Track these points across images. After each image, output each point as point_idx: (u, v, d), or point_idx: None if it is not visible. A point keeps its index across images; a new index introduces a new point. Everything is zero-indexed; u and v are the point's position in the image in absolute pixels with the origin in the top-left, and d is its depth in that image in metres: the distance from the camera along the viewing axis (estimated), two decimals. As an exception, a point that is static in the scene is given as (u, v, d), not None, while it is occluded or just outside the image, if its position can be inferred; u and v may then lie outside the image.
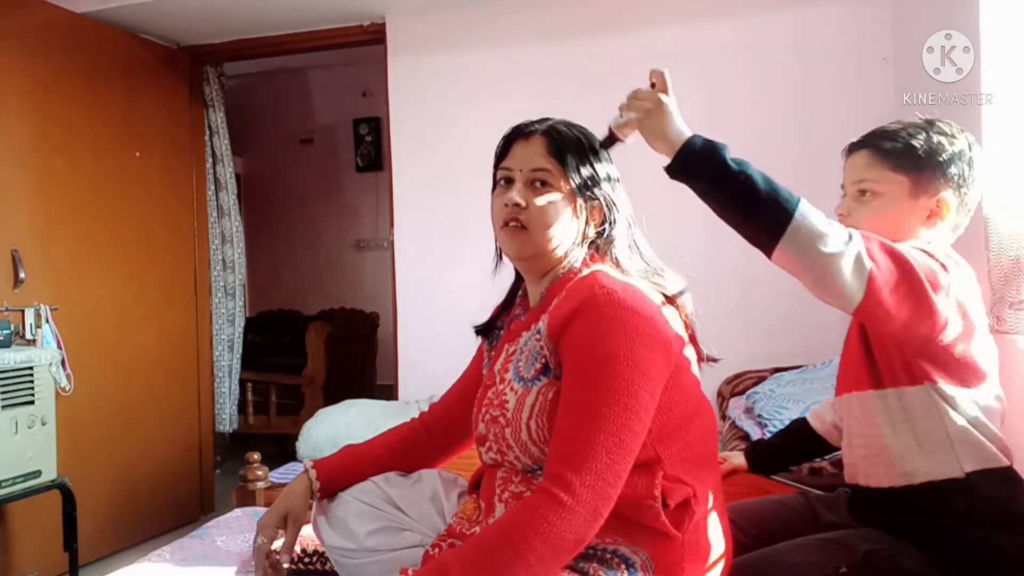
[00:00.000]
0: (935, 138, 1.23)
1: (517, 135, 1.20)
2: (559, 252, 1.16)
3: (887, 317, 1.10)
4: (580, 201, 1.15)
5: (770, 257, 1.07)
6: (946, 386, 1.18)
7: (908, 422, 1.20)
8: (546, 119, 1.20)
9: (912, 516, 1.22)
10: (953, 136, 1.24)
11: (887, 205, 1.25)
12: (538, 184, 1.15)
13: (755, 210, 1.06)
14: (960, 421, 1.18)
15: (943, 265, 1.15)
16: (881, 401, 1.23)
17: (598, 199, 1.17)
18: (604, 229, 1.17)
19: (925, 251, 1.16)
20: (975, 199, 1.27)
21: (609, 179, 1.18)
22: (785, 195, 1.05)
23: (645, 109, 1.15)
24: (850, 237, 1.06)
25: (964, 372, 1.19)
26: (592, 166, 1.16)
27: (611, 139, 1.20)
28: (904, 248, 1.13)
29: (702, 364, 1.18)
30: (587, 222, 1.17)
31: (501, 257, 1.25)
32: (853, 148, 1.31)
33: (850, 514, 1.37)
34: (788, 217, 1.03)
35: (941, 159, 1.22)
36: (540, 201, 1.14)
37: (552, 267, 1.17)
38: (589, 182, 1.16)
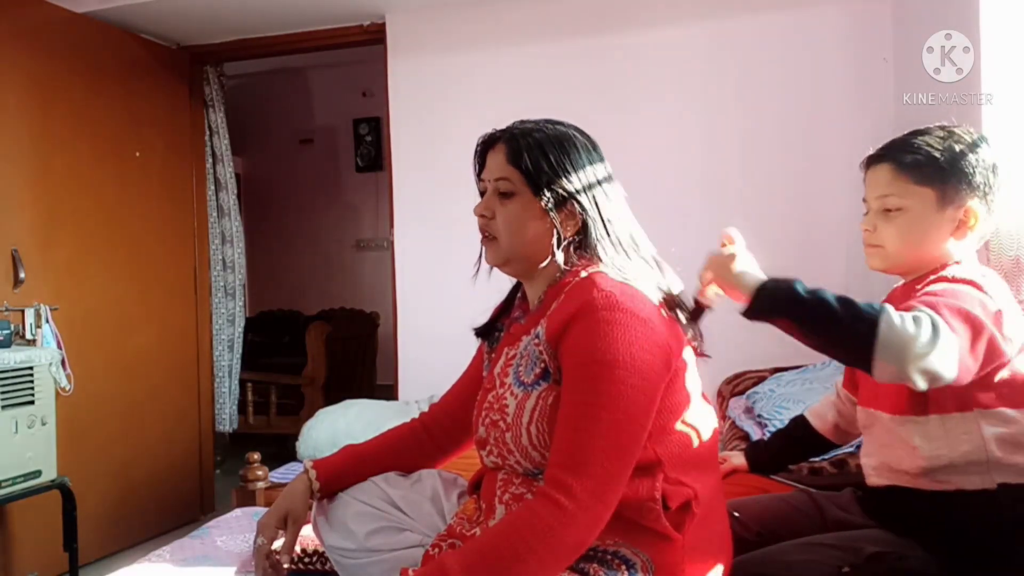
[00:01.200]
0: (956, 147, 1.21)
1: (486, 144, 1.19)
2: (535, 257, 1.15)
3: (969, 374, 1.08)
4: (547, 206, 1.12)
5: (874, 375, 1.04)
6: (996, 409, 1.16)
7: (947, 444, 1.18)
8: (514, 124, 1.18)
9: (935, 519, 1.20)
10: (974, 143, 1.22)
11: (914, 220, 1.22)
12: (503, 193, 1.15)
13: (841, 337, 1.05)
14: (1004, 444, 1.16)
15: (987, 293, 1.13)
16: (920, 426, 1.20)
17: (569, 202, 1.13)
18: (582, 233, 1.14)
19: (969, 282, 1.14)
20: (1000, 205, 1.24)
21: (583, 182, 1.14)
22: (864, 313, 1.02)
23: (719, 268, 1.15)
24: (933, 324, 1.01)
25: (1015, 394, 1.16)
26: (557, 170, 1.13)
27: (699, 309, 1.18)
28: (965, 299, 1.10)
29: (701, 357, 1.17)
30: (561, 225, 1.14)
31: (483, 265, 1.24)
32: (872, 161, 1.27)
33: (863, 512, 1.36)
34: (873, 335, 1.00)
35: (965, 168, 1.19)
36: (504, 211, 1.14)
37: (536, 271, 1.17)
38: (553, 186, 1.12)
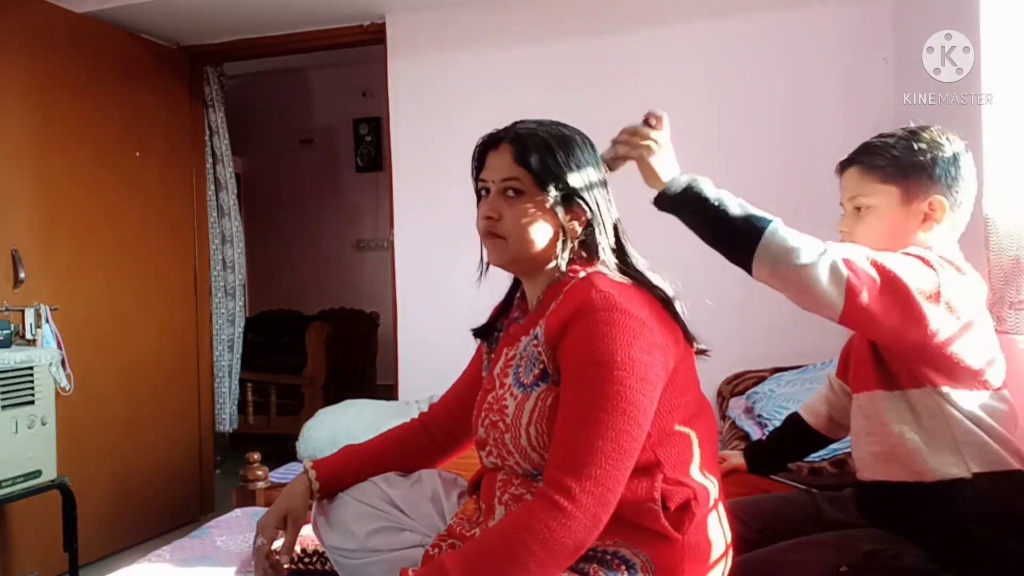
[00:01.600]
0: (915, 144, 1.27)
1: (488, 145, 1.19)
2: (542, 257, 1.15)
3: (872, 323, 1.13)
4: (555, 206, 1.13)
5: (750, 274, 1.14)
6: (947, 389, 1.20)
7: (916, 422, 1.22)
8: (516, 124, 1.18)
9: (920, 513, 1.23)
10: (934, 140, 1.27)
11: (881, 216, 1.28)
12: (510, 193, 1.14)
13: (729, 232, 1.15)
14: (964, 423, 1.20)
15: (933, 269, 1.16)
16: (891, 402, 1.25)
17: (574, 202, 1.14)
18: (587, 231, 1.15)
19: (919, 256, 1.18)
20: (969, 196, 1.28)
21: (587, 181, 1.15)
22: (757, 216, 1.14)
23: (643, 148, 1.22)
24: (824, 250, 1.11)
25: (962, 374, 1.20)
26: (563, 169, 1.13)
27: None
28: (889, 257, 1.16)
29: (699, 355, 1.18)
30: (567, 226, 1.15)
31: (488, 266, 1.23)
32: (843, 166, 1.35)
33: (858, 511, 1.37)
34: (759, 234, 1.12)
35: (923, 162, 1.25)
36: (513, 211, 1.14)
37: (540, 271, 1.17)
38: (561, 187, 1.13)
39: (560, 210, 1.13)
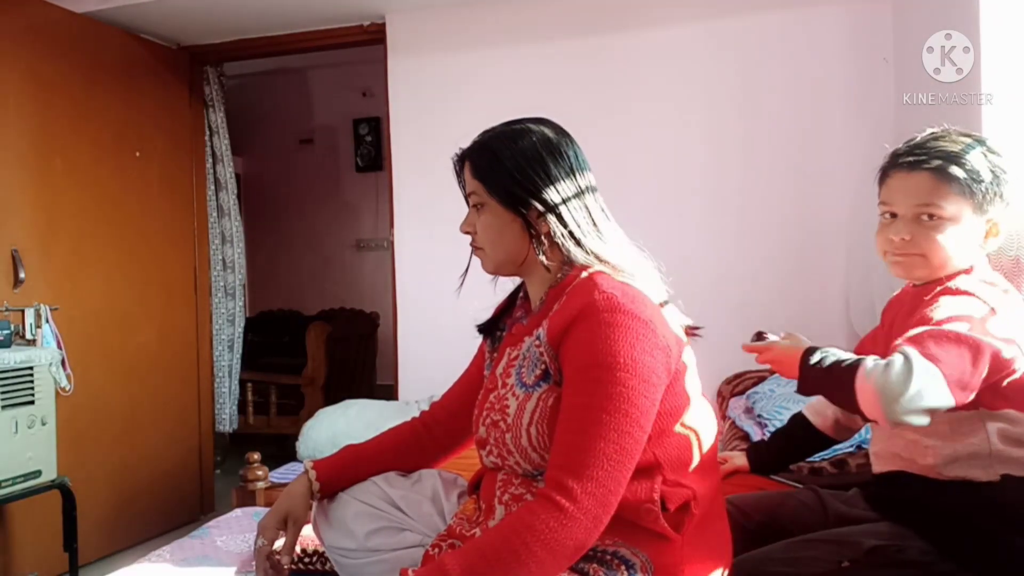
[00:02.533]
0: (992, 159, 1.23)
1: (460, 161, 1.22)
2: (524, 261, 1.17)
3: (972, 392, 1.09)
4: (515, 211, 1.14)
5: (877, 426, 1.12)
6: (999, 409, 1.18)
7: (952, 438, 1.20)
8: (479, 135, 1.20)
9: (931, 502, 1.22)
10: (999, 155, 1.24)
11: (957, 230, 1.22)
12: (478, 206, 1.18)
13: (841, 398, 1.13)
14: (1006, 441, 1.19)
15: (993, 310, 1.14)
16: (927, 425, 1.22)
17: (531, 203, 1.13)
18: (553, 228, 1.13)
19: (972, 294, 1.16)
20: (1011, 220, 1.28)
21: (540, 178, 1.13)
22: (846, 369, 1.08)
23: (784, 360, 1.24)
24: (906, 364, 1.03)
25: (1020, 397, 1.18)
26: (511, 174, 1.13)
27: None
28: (956, 317, 1.11)
29: (693, 336, 1.17)
30: (534, 224, 1.14)
31: (467, 272, 1.27)
32: (907, 168, 1.25)
33: (866, 501, 1.37)
34: (852, 391, 1.06)
35: (999, 179, 1.22)
36: (481, 223, 1.18)
37: (534, 272, 1.18)
38: (514, 190, 1.13)
39: (519, 215, 1.14)
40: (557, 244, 1.14)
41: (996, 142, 1.27)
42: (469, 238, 1.22)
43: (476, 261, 1.24)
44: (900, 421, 1.03)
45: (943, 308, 1.14)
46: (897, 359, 1.04)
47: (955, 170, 1.21)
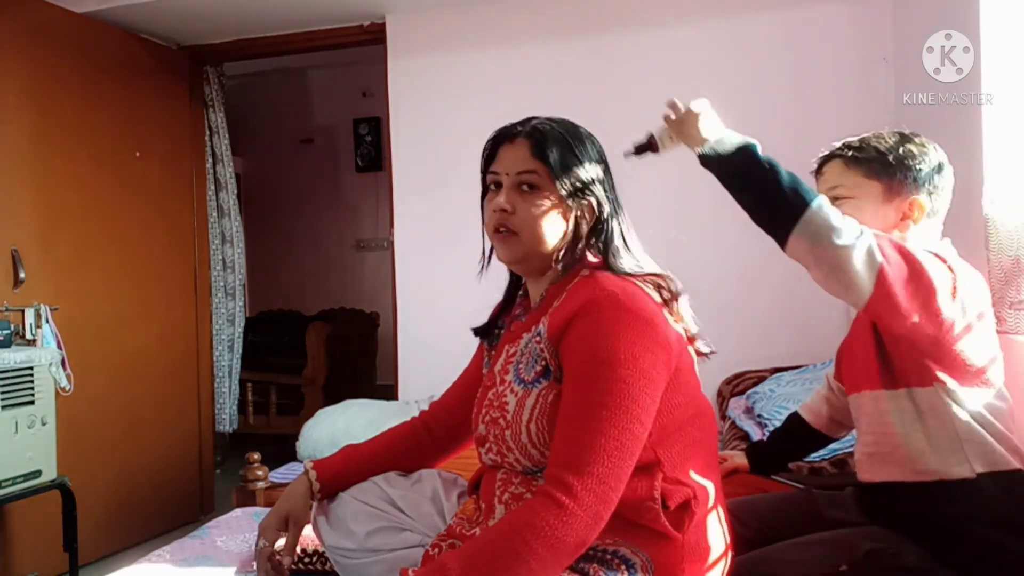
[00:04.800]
0: (905, 146, 1.30)
1: (502, 138, 1.18)
2: (552, 254, 1.15)
3: (897, 313, 1.13)
4: (569, 201, 1.14)
5: (784, 246, 1.14)
6: (953, 386, 1.21)
7: (919, 421, 1.23)
8: (530, 119, 1.18)
9: (922, 512, 1.23)
10: (923, 146, 1.31)
11: (859, 209, 1.28)
12: (525, 187, 1.14)
13: (775, 197, 1.14)
14: (967, 420, 1.20)
15: (950, 267, 1.18)
16: (894, 401, 1.25)
17: (587, 198, 1.15)
18: (597, 227, 1.16)
19: (934, 254, 1.20)
20: (943, 207, 1.32)
21: (598, 177, 1.16)
22: (805, 189, 1.14)
23: (679, 115, 1.27)
24: (862, 232, 1.11)
25: (967, 372, 1.21)
26: (579, 164, 1.14)
27: (648, 146, 1.31)
28: (914, 249, 1.17)
29: (701, 357, 1.18)
30: (578, 222, 1.15)
31: (489, 260, 1.24)
32: (825, 160, 1.38)
33: (859, 510, 1.38)
34: (804, 207, 1.11)
35: (911, 164, 1.28)
36: (528, 205, 1.13)
37: (547, 268, 1.17)
38: (577, 181, 1.14)
39: (574, 204, 1.14)
40: (590, 243, 1.15)
41: (920, 139, 1.34)
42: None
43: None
44: (816, 257, 1.11)
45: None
46: (860, 226, 1.12)
47: (862, 156, 1.31)
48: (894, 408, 1.25)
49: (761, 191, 1.17)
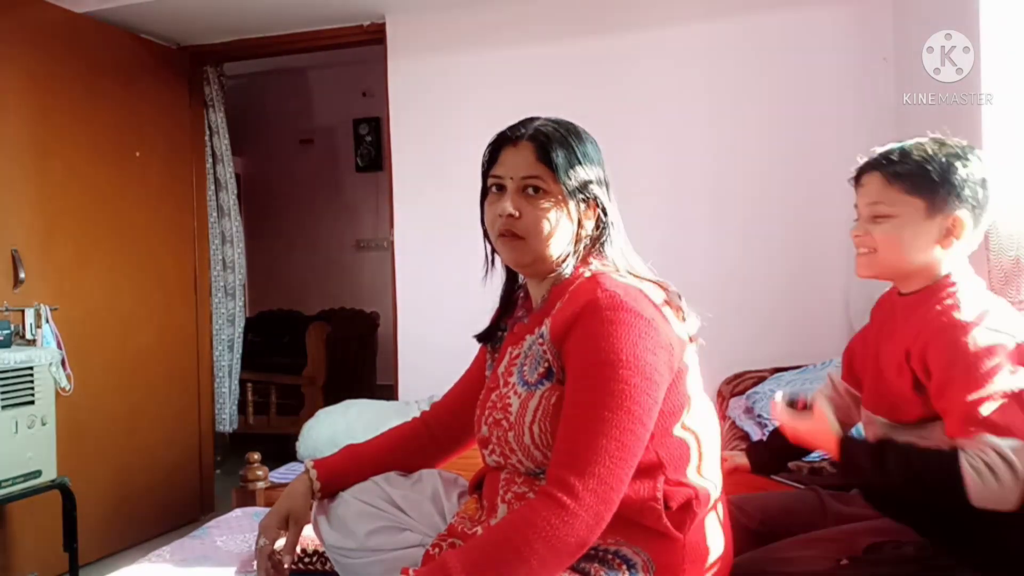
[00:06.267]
0: (947, 159, 1.23)
1: (505, 141, 1.17)
2: (557, 256, 1.15)
3: None
4: (573, 204, 1.14)
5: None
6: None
7: (940, 442, 1.20)
8: (532, 120, 1.17)
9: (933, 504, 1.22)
10: (966, 156, 1.24)
11: (902, 227, 1.24)
12: (530, 191, 1.13)
13: (935, 496, 1.14)
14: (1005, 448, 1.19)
15: (999, 332, 1.16)
16: (915, 430, 1.23)
17: (590, 199, 1.15)
18: (600, 230, 1.16)
19: (994, 330, 1.16)
20: (988, 221, 1.27)
21: (599, 177, 1.16)
22: (946, 473, 1.09)
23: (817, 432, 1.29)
24: (1007, 464, 1.07)
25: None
26: (582, 166, 1.14)
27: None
28: (992, 369, 1.13)
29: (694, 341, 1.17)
30: (581, 224, 1.15)
31: (493, 263, 1.25)
32: (864, 170, 1.30)
33: (864, 500, 1.37)
34: (964, 495, 1.08)
35: (955, 181, 1.22)
36: (534, 209, 1.13)
37: (551, 270, 1.17)
38: (581, 184, 1.14)
39: (577, 206, 1.14)
40: (593, 244, 1.16)
41: (980, 150, 1.27)
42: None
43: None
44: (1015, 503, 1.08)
45: (975, 359, 1.14)
46: (994, 460, 1.07)
47: (904, 171, 1.24)
48: (915, 435, 1.22)
49: (918, 495, 1.18)
